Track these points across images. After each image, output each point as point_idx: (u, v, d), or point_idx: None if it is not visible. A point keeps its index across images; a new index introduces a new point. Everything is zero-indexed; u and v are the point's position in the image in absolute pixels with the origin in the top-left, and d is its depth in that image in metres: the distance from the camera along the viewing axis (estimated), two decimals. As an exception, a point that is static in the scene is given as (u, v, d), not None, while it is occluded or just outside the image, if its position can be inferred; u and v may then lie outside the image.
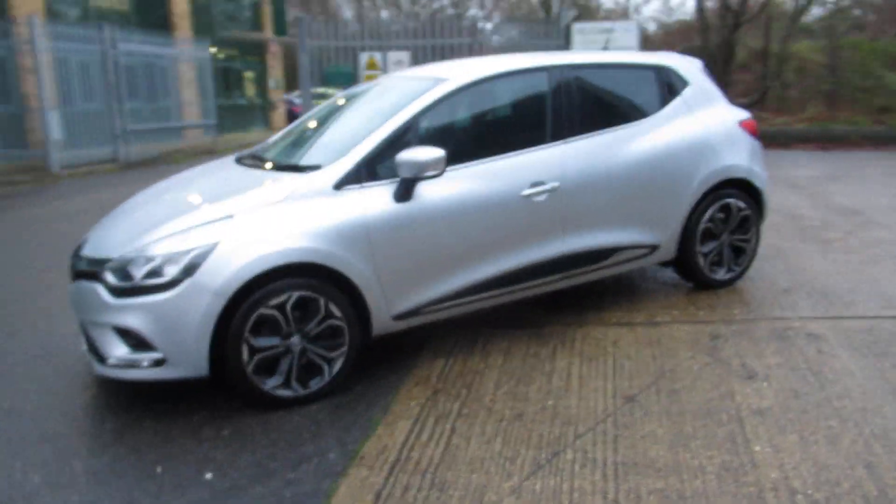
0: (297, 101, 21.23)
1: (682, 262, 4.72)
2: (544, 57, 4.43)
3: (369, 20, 31.45)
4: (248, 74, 26.11)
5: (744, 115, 4.95)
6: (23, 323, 4.75)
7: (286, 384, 3.46)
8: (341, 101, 4.73)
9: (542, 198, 4.00)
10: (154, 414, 3.46)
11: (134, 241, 3.40)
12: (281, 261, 3.34)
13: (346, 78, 13.11)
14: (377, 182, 3.65)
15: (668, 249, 4.59)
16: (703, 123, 4.64)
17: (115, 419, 3.44)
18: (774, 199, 8.10)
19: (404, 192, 3.65)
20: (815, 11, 18.53)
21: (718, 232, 4.74)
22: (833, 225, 6.78)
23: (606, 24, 14.66)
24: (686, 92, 4.70)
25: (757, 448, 2.93)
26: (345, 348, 3.56)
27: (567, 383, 3.60)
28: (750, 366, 3.68)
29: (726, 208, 4.72)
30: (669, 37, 21.85)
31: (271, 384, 3.43)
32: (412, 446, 3.09)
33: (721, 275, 4.84)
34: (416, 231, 3.68)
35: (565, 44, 14.21)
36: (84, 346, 3.62)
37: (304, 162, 3.88)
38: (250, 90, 26.28)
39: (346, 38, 13.46)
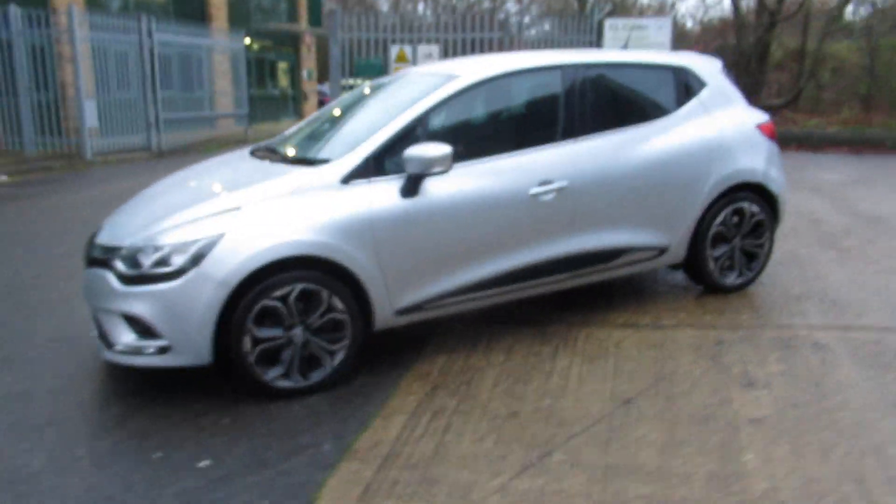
0: (329, 92, 21.48)
1: (692, 265, 4.69)
2: (559, 55, 4.42)
3: (405, 13, 31.49)
4: (282, 65, 26.35)
5: (762, 117, 4.89)
6: (42, 308, 4.89)
7: (287, 375, 3.52)
8: (357, 96, 4.77)
9: (549, 197, 4.00)
10: (158, 400, 3.55)
11: (144, 230, 3.48)
12: (285, 253, 3.39)
13: (376, 70, 13.18)
14: (385, 177, 3.68)
15: (678, 252, 4.56)
16: (718, 125, 4.59)
17: (121, 404, 3.53)
18: (796, 202, 8.02)
19: (411, 187, 3.68)
20: (859, 11, 18.18)
21: (730, 236, 4.70)
22: (854, 232, 6.66)
23: (640, 21, 14.50)
24: (703, 93, 4.65)
25: (748, 457, 2.92)
26: (346, 341, 3.61)
27: (565, 383, 3.61)
28: (751, 373, 3.66)
29: (739, 212, 4.67)
30: (706, 34, 21.54)
31: (272, 375, 3.49)
32: (405, 441, 3.13)
33: (732, 279, 4.79)
34: (421, 227, 3.70)
35: (597, 40, 14.12)
36: (95, 332, 3.72)
37: (313, 155, 3.93)
38: (283, 81, 26.52)
39: (378, 31, 13.52)
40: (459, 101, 4.00)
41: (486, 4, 36.26)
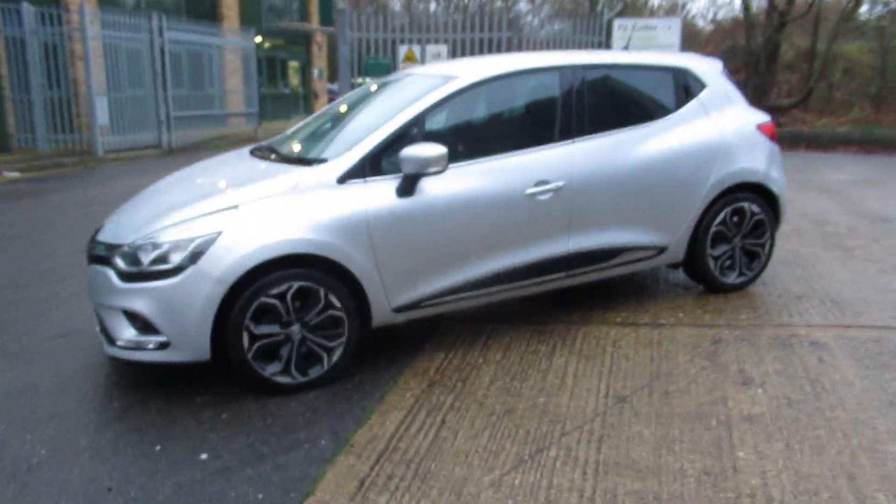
0: (338, 91, 21.55)
1: (692, 264, 4.70)
2: (558, 56, 4.44)
3: (415, 12, 31.52)
4: (293, 64, 26.48)
5: (762, 118, 4.89)
6: (50, 304, 4.96)
7: (286, 371, 3.56)
8: (358, 95, 4.81)
9: (545, 196, 4.02)
10: (160, 395, 3.60)
11: (144, 228, 3.53)
12: (281, 251, 3.43)
13: (385, 69, 13.22)
14: (381, 177, 3.71)
15: (677, 251, 4.57)
16: (718, 126, 4.60)
17: (123, 398, 3.59)
18: (802, 202, 8.00)
19: (407, 187, 3.71)
20: (874, 11, 18.03)
21: (731, 236, 4.70)
22: (858, 232, 6.64)
23: (648, 21, 14.47)
24: (703, 94, 4.66)
25: (741, 454, 2.93)
26: (344, 339, 3.65)
27: (562, 381, 3.64)
28: (747, 372, 3.67)
29: (739, 212, 4.68)
30: (716, 35, 21.46)
31: (271, 371, 3.54)
32: (401, 437, 3.16)
33: (732, 279, 4.80)
34: (417, 226, 3.74)
35: (606, 40, 14.10)
36: (97, 328, 3.78)
37: (311, 155, 3.97)
38: (294, 79, 26.65)
39: (387, 31, 13.56)
40: (457, 102, 4.03)
41: (499, 4, 36.23)
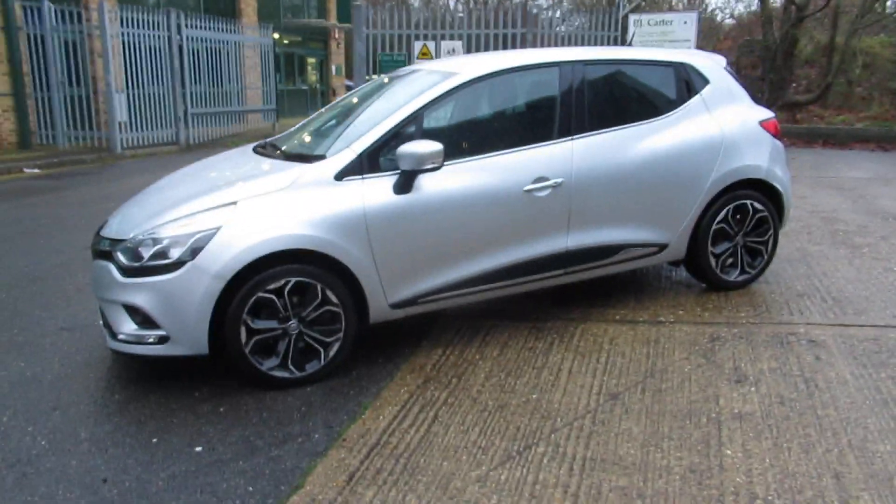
0: (355, 87, 21.63)
1: (693, 262, 4.69)
2: (558, 52, 4.45)
3: (436, 7, 31.51)
4: (311, 60, 26.61)
5: (766, 114, 4.86)
6: (58, 298, 5.06)
7: (283, 366, 3.61)
8: (362, 92, 4.85)
9: (544, 193, 4.04)
10: (160, 388, 3.67)
11: (145, 224, 3.59)
12: (278, 247, 3.48)
13: (400, 66, 13.26)
14: (379, 174, 3.75)
15: (678, 249, 4.56)
16: (719, 122, 4.58)
17: (124, 391, 3.66)
18: (813, 200, 7.93)
19: (404, 184, 3.74)
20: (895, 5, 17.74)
21: (733, 233, 4.68)
22: (868, 230, 6.57)
23: (664, 15, 14.36)
24: (705, 90, 4.64)
25: (728, 452, 2.94)
26: (341, 334, 3.69)
27: (556, 378, 3.66)
28: (742, 369, 3.66)
29: (741, 209, 4.66)
30: (735, 29, 21.24)
31: (268, 365, 3.59)
32: (393, 431, 3.20)
33: (734, 276, 4.78)
34: (414, 222, 3.77)
35: (622, 35, 14.03)
36: (101, 322, 3.85)
37: (311, 152, 4.01)
38: (312, 76, 26.79)
39: (402, 27, 13.60)
40: (455, 99, 4.05)
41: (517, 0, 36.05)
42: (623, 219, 4.31)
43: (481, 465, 2.91)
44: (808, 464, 2.83)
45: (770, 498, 2.63)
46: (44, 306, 4.88)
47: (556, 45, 13.71)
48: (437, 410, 3.37)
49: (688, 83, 4.62)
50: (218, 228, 3.45)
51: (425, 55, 13.72)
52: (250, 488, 2.82)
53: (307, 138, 4.44)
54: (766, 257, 4.84)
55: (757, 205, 4.69)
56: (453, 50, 13.76)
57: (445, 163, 3.77)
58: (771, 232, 4.79)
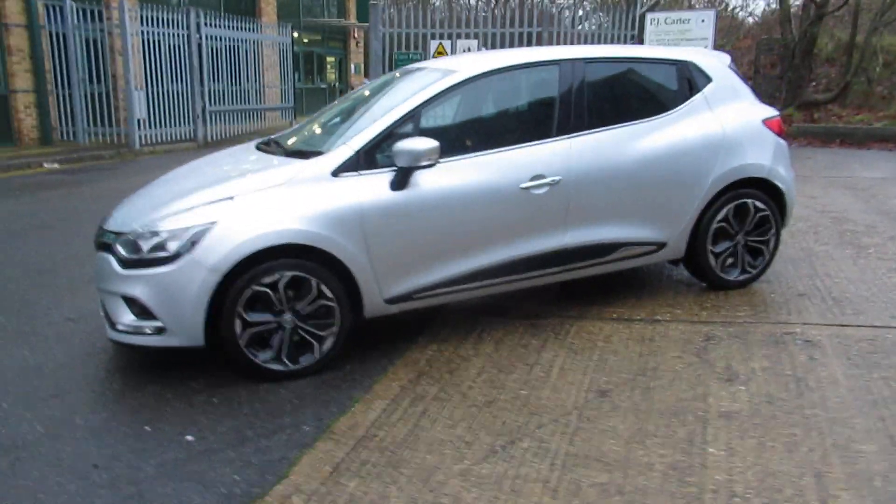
0: (374, 85, 21.64)
1: (693, 261, 4.67)
2: (559, 50, 4.46)
3: (456, 6, 31.52)
4: (330, 59, 26.76)
5: (769, 112, 4.83)
6: (66, 289, 5.16)
7: (277, 359, 3.66)
8: (365, 91, 4.89)
9: (541, 191, 4.05)
10: (157, 378, 3.74)
11: (145, 217, 3.66)
12: (273, 242, 3.53)
13: (415, 65, 13.28)
14: (375, 170, 3.79)
15: (677, 247, 4.55)
16: (721, 121, 4.56)
17: (122, 380, 3.74)
18: (825, 199, 7.85)
19: (400, 180, 3.77)
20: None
21: (733, 232, 4.66)
22: (876, 230, 6.50)
23: (682, 14, 14.26)
24: (707, 88, 4.62)
25: (711, 450, 2.94)
26: (335, 328, 3.74)
27: (547, 374, 3.67)
28: (734, 369, 3.65)
29: (743, 208, 4.63)
30: (756, 28, 21.03)
31: (263, 357, 3.64)
32: (381, 425, 3.23)
33: (735, 276, 4.76)
34: (410, 219, 3.80)
35: (639, 33, 13.95)
36: (102, 312, 3.93)
37: (310, 148, 4.06)
38: (331, 74, 26.94)
39: (418, 26, 13.64)
40: (453, 96, 4.08)
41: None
42: (621, 217, 4.31)
43: (464, 459, 2.94)
44: (791, 463, 2.83)
45: (748, 496, 2.63)
46: (51, 297, 4.99)
47: (573, 43, 13.68)
48: (427, 405, 3.40)
49: (690, 81, 4.61)
50: (215, 223, 3.51)
51: (441, 54, 13.74)
52: (236, 477, 2.86)
53: (309, 135, 4.49)
54: (767, 257, 4.81)
55: (759, 204, 4.66)
56: (469, 49, 13.77)
57: (442, 160, 3.80)
58: (773, 231, 4.76)
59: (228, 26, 16.68)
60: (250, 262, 3.52)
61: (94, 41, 14.41)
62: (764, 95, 15.86)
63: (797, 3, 16.57)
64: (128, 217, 3.83)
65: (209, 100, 15.78)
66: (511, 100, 4.47)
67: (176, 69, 15.10)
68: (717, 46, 14.01)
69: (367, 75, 29.00)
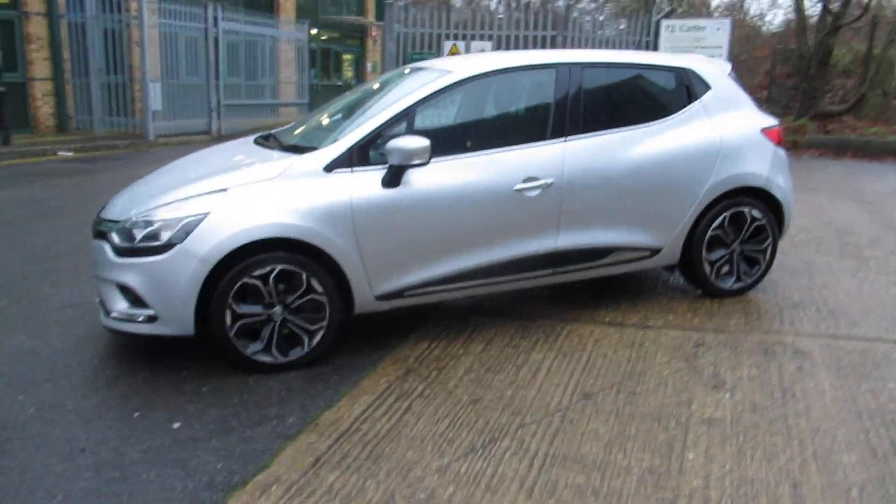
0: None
1: (688, 268, 4.67)
2: (557, 54, 4.48)
3: (479, 8, 31.52)
4: (347, 57, 26.85)
5: (769, 122, 4.82)
6: (68, 275, 5.23)
7: (266, 350, 3.70)
8: (366, 89, 4.92)
9: (534, 193, 4.07)
10: (150, 365, 3.79)
11: (141, 206, 3.71)
12: (263, 234, 3.57)
13: (429, 65, 13.31)
14: (368, 167, 3.81)
15: (671, 254, 4.55)
16: (719, 129, 4.55)
17: (115, 367, 3.79)
18: (831, 212, 7.81)
19: (392, 178, 3.80)
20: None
21: (729, 240, 4.66)
22: (880, 243, 6.46)
23: (697, 21, 14.20)
24: (706, 96, 4.62)
25: (690, 456, 2.94)
26: (325, 323, 3.77)
27: (533, 376, 3.69)
28: (721, 376, 3.66)
29: (739, 217, 4.63)
30: (774, 38, 20.89)
31: (252, 349, 3.68)
32: (365, 419, 3.26)
33: (729, 284, 4.75)
34: (401, 216, 3.82)
35: (654, 40, 13.92)
36: (97, 300, 3.99)
37: (305, 143, 4.10)
38: (348, 72, 27.03)
39: (433, 26, 13.68)
40: (448, 96, 4.10)
41: (560, 2, 35.76)
42: (614, 221, 4.32)
43: (444, 455, 2.96)
44: (769, 471, 2.83)
45: (723, 503, 2.63)
46: (53, 283, 5.06)
47: (587, 47, 13.66)
48: (412, 401, 3.43)
49: (688, 88, 4.60)
50: (207, 213, 3.55)
51: (455, 54, 13.78)
52: (219, 465, 2.90)
53: (306, 131, 4.53)
54: (763, 266, 4.80)
55: (755, 213, 4.65)
56: (483, 50, 13.80)
57: (435, 159, 3.83)
58: (769, 241, 4.74)
59: (245, 21, 16.80)
60: (241, 253, 3.56)
61: (113, 32, 14.56)
62: (778, 105, 15.87)
63: (814, 14, 16.46)
64: (124, 206, 3.88)
65: (224, 94, 15.89)
66: (507, 101, 4.49)
67: (193, 62, 15.23)
68: (734, 55, 13.97)
69: (383, 74, 29.17)
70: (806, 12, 15.70)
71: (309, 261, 3.68)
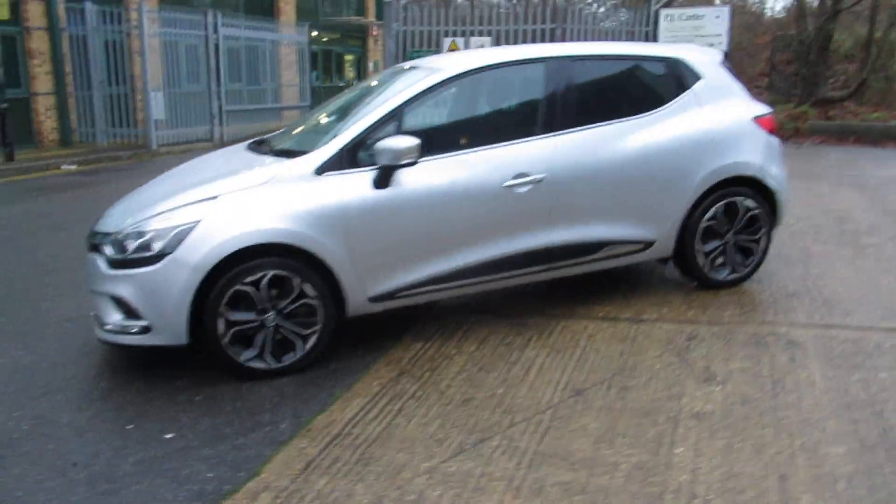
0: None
1: (682, 259, 4.66)
2: (546, 48, 4.50)
3: (478, 4, 31.49)
4: (349, 57, 26.90)
5: (761, 110, 4.79)
6: (67, 289, 5.27)
7: (260, 357, 3.72)
8: (358, 90, 4.94)
9: (525, 189, 4.06)
10: (144, 377, 3.82)
11: (133, 217, 3.74)
12: (255, 241, 3.59)
13: (428, 63, 13.31)
14: (358, 169, 3.83)
15: (665, 246, 4.54)
16: (710, 118, 4.54)
17: (110, 379, 3.82)
18: (830, 198, 7.76)
19: (382, 179, 3.81)
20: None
21: (723, 231, 4.64)
22: (878, 230, 6.41)
23: (696, 10, 14.12)
24: (697, 85, 4.60)
25: (679, 451, 2.94)
26: (318, 327, 3.79)
27: (525, 373, 3.69)
28: (712, 369, 3.65)
29: (732, 207, 4.61)
30: (776, 24, 20.74)
31: (246, 356, 3.70)
32: (357, 422, 3.28)
33: (724, 275, 4.74)
34: (392, 217, 3.84)
35: (653, 30, 13.86)
36: (93, 313, 4.02)
37: (296, 147, 4.11)
38: (350, 72, 27.08)
39: (432, 23, 13.68)
40: (437, 95, 4.11)
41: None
42: (607, 215, 4.32)
43: (434, 457, 2.97)
44: (757, 464, 2.82)
45: (710, 497, 2.63)
46: (52, 298, 5.10)
47: (586, 40, 13.62)
48: (404, 403, 3.44)
49: (679, 78, 4.59)
50: (198, 222, 3.57)
51: (454, 51, 13.77)
52: (210, 474, 2.92)
53: (297, 135, 4.56)
54: (758, 256, 4.78)
55: (749, 203, 4.63)
56: (482, 46, 13.79)
57: (425, 158, 3.84)
58: (764, 231, 4.72)
59: (245, 26, 16.85)
60: (232, 261, 3.58)
61: (114, 43, 14.62)
62: (780, 93, 15.77)
63: (814, -1, 16.34)
64: (117, 218, 3.91)
65: (226, 100, 15.95)
66: (496, 98, 4.49)
67: (194, 70, 15.29)
68: (734, 43, 13.89)
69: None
70: (805, -1, 15.61)
71: (301, 265, 3.70)
